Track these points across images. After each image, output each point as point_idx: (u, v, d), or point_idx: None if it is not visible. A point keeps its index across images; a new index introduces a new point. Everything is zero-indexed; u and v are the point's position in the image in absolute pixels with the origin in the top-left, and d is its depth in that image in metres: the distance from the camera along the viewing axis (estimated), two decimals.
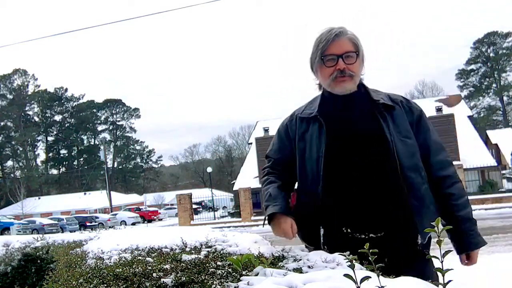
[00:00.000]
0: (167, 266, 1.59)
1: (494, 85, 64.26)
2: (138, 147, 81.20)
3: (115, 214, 40.61)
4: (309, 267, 1.49)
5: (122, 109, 79.42)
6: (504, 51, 62.64)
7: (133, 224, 38.02)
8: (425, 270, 1.67)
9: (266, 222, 1.86)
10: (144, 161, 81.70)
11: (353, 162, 1.73)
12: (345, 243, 1.66)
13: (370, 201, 1.70)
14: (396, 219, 1.71)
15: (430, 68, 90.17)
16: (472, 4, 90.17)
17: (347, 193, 1.72)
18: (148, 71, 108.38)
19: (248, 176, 31.87)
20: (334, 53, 1.78)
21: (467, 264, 1.83)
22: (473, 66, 65.76)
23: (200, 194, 37.66)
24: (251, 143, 37.33)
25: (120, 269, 1.61)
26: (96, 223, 35.90)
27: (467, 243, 1.79)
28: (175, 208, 38.79)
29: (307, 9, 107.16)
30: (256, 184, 30.38)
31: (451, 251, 1.12)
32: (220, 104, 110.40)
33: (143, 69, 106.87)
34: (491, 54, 63.63)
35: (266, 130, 32.00)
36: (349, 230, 1.73)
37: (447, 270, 1.03)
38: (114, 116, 79.59)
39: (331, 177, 1.75)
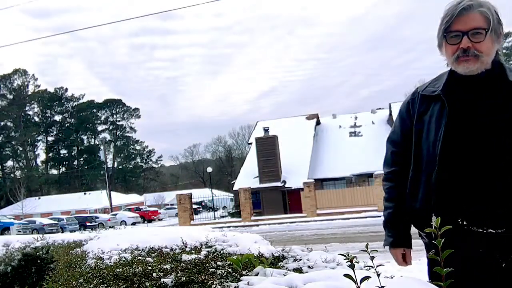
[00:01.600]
0: (167, 266, 1.59)
1: None
2: (138, 147, 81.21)
3: (115, 214, 40.57)
4: (309, 267, 1.49)
5: (122, 109, 79.40)
6: (505, 51, 62.58)
7: (133, 224, 37.98)
8: None
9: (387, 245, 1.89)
10: (144, 161, 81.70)
11: (473, 151, 1.58)
12: (459, 236, 1.55)
13: (491, 193, 1.54)
14: None
15: (430, 68, 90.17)
16: None
17: (465, 182, 1.57)
18: (148, 71, 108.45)
19: (248, 176, 31.84)
20: (459, 30, 1.61)
21: None
22: None
23: (200, 194, 37.64)
24: (251, 143, 37.27)
25: (120, 269, 1.61)
26: (96, 223, 35.88)
27: None
28: (175, 208, 38.76)
29: (307, 9, 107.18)
30: (256, 184, 30.38)
31: (451, 251, 1.12)
32: (220, 104, 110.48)
33: (143, 69, 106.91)
34: None
35: (266, 130, 31.96)
36: (465, 223, 1.58)
37: (447, 270, 1.03)
38: (114, 116, 79.57)
39: (448, 163, 1.60)
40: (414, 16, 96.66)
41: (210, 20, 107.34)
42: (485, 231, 1.53)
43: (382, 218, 1.89)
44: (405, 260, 1.77)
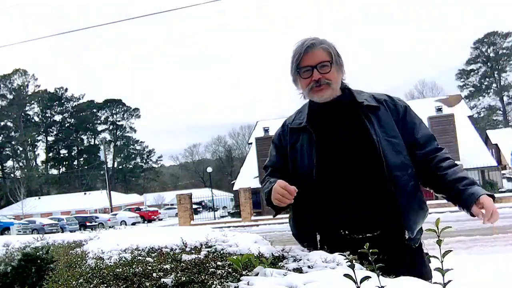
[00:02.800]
0: (167, 266, 1.59)
1: (494, 85, 64.26)
2: (138, 147, 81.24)
3: (115, 214, 40.59)
4: (309, 267, 1.49)
5: (122, 109, 79.44)
6: (504, 51, 62.66)
7: (133, 224, 38.01)
8: (415, 264, 1.79)
9: (266, 204, 1.91)
10: (144, 161, 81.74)
11: (344, 167, 1.80)
12: (343, 245, 1.69)
13: (362, 203, 1.77)
14: (387, 217, 1.77)
15: (430, 68, 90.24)
16: (472, 4, 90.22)
17: (341, 198, 1.79)
18: (148, 71, 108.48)
19: (248, 176, 31.87)
20: (309, 65, 1.85)
21: (485, 214, 1.66)
22: (473, 66, 65.80)
23: (200, 194, 37.63)
24: (251, 143, 37.32)
25: (120, 269, 1.61)
26: (96, 223, 35.89)
27: (475, 191, 1.71)
28: (175, 208, 38.79)
29: (307, 8, 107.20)
30: (256, 184, 30.37)
31: (450, 251, 1.12)
32: (220, 104, 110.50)
33: (143, 68, 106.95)
34: (491, 54, 63.66)
35: (266, 130, 31.99)
36: (346, 232, 1.79)
37: (447, 270, 1.03)
38: (114, 116, 79.61)
39: (324, 184, 1.81)
40: (416, 15, 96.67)
41: (211, 18, 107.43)
42: (364, 236, 1.76)
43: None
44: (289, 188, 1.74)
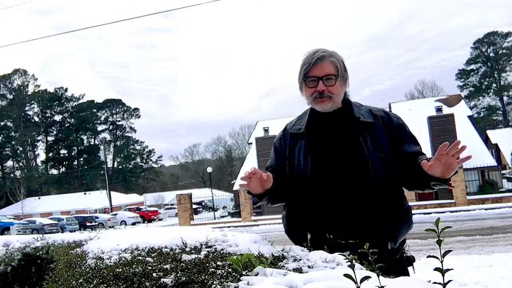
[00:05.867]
0: (167, 266, 1.59)
1: (494, 85, 64.24)
2: (138, 147, 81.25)
3: (115, 214, 40.60)
4: (309, 267, 1.49)
5: (122, 109, 79.44)
6: (504, 51, 62.63)
7: (133, 224, 38.01)
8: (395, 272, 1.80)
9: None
10: (144, 161, 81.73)
11: (335, 175, 1.90)
12: (329, 248, 1.78)
13: (349, 211, 1.88)
14: (370, 226, 1.86)
15: (431, 68, 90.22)
16: (473, 3, 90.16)
17: (330, 203, 1.90)
18: (148, 71, 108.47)
19: None
20: (315, 76, 1.94)
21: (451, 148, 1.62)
22: (473, 66, 65.78)
23: (200, 194, 37.65)
24: (251, 143, 37.32)
25: (120, 269, 1.61)
26: (96, 223, 35.89)
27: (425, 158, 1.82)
28: (175, 208, 38.79)
29: (308, 8, 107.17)
30: None
31: (450, 251, 1.12)
32: (220, 104, 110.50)
33: (143, 68, 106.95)
34: (491, 54, 63.65)
35: (266, 130, 31.98)
36: (331, 236, 1.91)
37: (447, 270, 1.03)
38: (114, 116, 79.62)
39: (316, 188, 1.92)
40: (416, 15, 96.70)
41: (211, 18, 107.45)
42: (346, 242, 1.85)
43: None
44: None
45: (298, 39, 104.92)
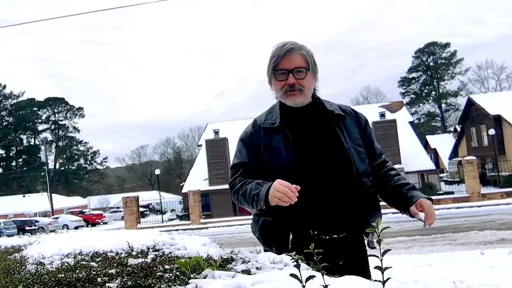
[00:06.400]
0: (113, 271, 1.56)
1: (433, 92, 67.83)
2: (82, 148, 78.20)
3: (57, 218, 38.88)
4: (257, 268, 1.51)
5: (65, 108, 76.18)
6: (443, 60, 66.31)
7: (76, 228, 36.53)
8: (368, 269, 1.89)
9: (262, 204, 1.76)
10: (88, 163, 78.78)
11: (317, 169, 1.84)
12: (311, 243, 1.73)
13: (332, 205, 1.83)
14: (353, 220, 1.86)
15: (376, 75, 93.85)
16: (417, 14, 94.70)
17: (313, 199, 1.81)
18: (94, 69, 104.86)
19: (198, 179, 31.58)
20: (285, 68, 1.88)
21: (426, 216, 1.80)
22: (414, 74, 69.05)
23: (148, 196, 36.79)
24: (201, 145, 37.00)
25: (63, 275, 1.55)
26: (36, 227, 34.12)
27: (416, 194, 1.85)
28: (121, 211, 37.67)
29: (262, 9, 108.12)
30: (205, 186, 30.17)
31: (389, 250, 1.18)
32: (170, 105, 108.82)
33: (88, 66, 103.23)
34: (431, 63, 67.15)
35: (216, 132, 31.86)
36: (315, 232, 1.84)
37: (386, 268, 1.08)
38: (56, 115, 76.20)
39: (300, 183, 1.77)
40: (366, 24, 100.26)
41: (162, 17, 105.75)
42: (330, 237, 1.83)
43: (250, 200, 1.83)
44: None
45: (250, 41, 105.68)
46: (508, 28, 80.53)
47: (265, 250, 1.95)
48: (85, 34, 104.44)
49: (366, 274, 1.85)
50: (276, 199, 1.68)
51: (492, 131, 28.74)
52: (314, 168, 1.84)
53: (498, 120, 30.65)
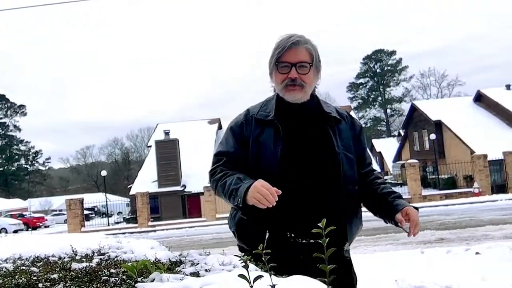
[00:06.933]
0: (55, 276, 1.50)
1: (379, 98, 70.61)
2: (22, 148, 74.26)
3: None
4: (206, 270, 1.51)
5: (6, 105, 72.14)
6: (389, 67, 69.19)
7: (15, 231, 34.68)
8: (347, 276, 1.90)
9: (240, 202, 1.71)
10: (30, 163, 74.94)
11: (304, 170, 1.79)
12: (287, 247, 1.73)
13: (313, 208, 1.77)
14: (334, 226, 1.81)
15: (326, 79, 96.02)
16: (367, 20, 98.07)
17: (296, 199, 1.76)
18: (37, 65, 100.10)
19: (146, 180, 30.95)
20: (289, 61, 1.82)
21: (411, 224, 1.79)
22: (362, 80, 71.58)
23: (93, 199, 35.59)
24: (150, 146, 36.33)
25: (1, 281, 1.48)
26: None
27: (401, 203, 1.85)
28: (64, 214, 36.21)
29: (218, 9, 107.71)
30: (154, 188, 29.62)
31: (335, 249, 1.21)
32: (118, 104, 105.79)
33: (31, 62, 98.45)
34: (378, 70, 69.87)
35: (167, 133, 31.38)
36: (292, 235, 1.78)
37: (332, 267, 1.11)
38: None
39: (284, 182, 1.75)
40: (316, 31, 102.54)
41: (114, 14, 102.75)
42: (307, 242, 1.76)
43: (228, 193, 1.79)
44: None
45: (203, 40, 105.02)
46: (450, 39, 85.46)
47: (239, 246, 1.94)
48: (27, 28, 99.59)
49: (349, 280, 1.88)
50: (254, 200, 1.63)
51: (433, 136, 30.26)
52: (301, 168, 1.79)
53: (438, 126, 32.34)
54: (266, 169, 1.78)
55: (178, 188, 29.79)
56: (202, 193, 26.28)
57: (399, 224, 1.81)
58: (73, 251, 1.99)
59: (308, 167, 1.79)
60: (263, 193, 1.60)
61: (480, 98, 34.61)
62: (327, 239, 1.79)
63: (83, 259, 1.84)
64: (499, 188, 24.86)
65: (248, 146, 1.86)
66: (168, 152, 30.07)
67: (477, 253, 6.94)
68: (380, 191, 1.91)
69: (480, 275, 5.33)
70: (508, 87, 34.34)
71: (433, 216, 16.80)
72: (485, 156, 24.78)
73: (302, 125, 1.85)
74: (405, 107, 56.12)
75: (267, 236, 1.74)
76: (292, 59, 1.81)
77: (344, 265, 1.87)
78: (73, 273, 1.53)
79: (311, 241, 1.75)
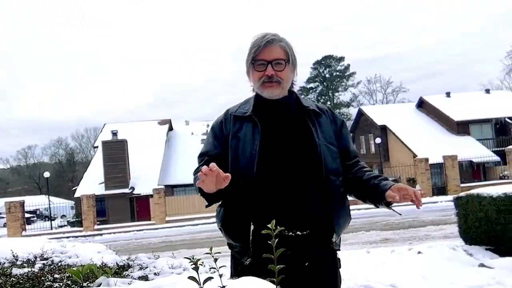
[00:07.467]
0: None
1: (328, 102, 72.32)
2: None
3: None
4: (155, 274, 1.50)
5: None
6: (338, 73, 71.21)
7: None
8: (336, 268, 1.97)
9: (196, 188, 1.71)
10: None
11: (285, 162, 1.82)
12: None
13: (298, 200, 1.79)
14: (319, 218, 1.83)
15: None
16: (317, 28, 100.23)
17: (278, 192, 1.79)
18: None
19: (93, 182, 29.91)
20: (264, 59, 1.88)
21: (410, 194, 1.74)
22: (312, 85, 73.08)
23: (35, 201, 33.93)
24: (97, 147, 35.16)
25: None
26: None
27: (389, 183, 1.83)
28: (3, 217, 34.21)
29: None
30: (101, 190, 28.69)
31: (284, 250, 1.23)
32: (62, 103, 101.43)
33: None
34: (327, 75, 71.73)
35: (114, 134, 30.50)
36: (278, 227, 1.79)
37: (280, 267, 1.14)
38: None
39: (263, 175, 1.79)
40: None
41: (56, 10, 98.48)
42: (294, 234, 1.78)
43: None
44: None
45: (155, 40, 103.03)
46: (395, 46, 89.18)
47: (228, 244, 1.91)
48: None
49: (336, 275, 1.94)
50: (200, 182, 1.63)
51: (378, 140, 31.46)
52: (281, 160, 1.82)
53: (384, 130, 33.70)
54: (245, 163, 1.81)
55: (126, 190, 29.04)
56: (151, 196, 25.78)
57: (390, 206, 1.82)
58: (13, 256, 1.90)
59: (288, 158, 1.83)
60: (204, 171, 1.59)
61: (422, 105, 36.46)
62: (307, 232, 1.77)
63: (24, 264, 1.76)
64: (439, 190, 26.22)
65: (227, 143, 1.91)
66: (116, 153, 29.24)
67: (419, 252, 7.25)
68: (367, 177, 1.92)
69: (422, 274, 5.60)
70: (448, 94, 36.43)
71: (378, 217, 17.42)
72: (427, 159, 26.05)
73: (280, 121, 1.90)
74: (353, 111, 58.08)
75: (252, 229, 1.78)
76: (268, 57, 1.88)
77: (332, 258, 1.94)
78: (14, 279, 1.46)
79: (298, 233, 1.78)
